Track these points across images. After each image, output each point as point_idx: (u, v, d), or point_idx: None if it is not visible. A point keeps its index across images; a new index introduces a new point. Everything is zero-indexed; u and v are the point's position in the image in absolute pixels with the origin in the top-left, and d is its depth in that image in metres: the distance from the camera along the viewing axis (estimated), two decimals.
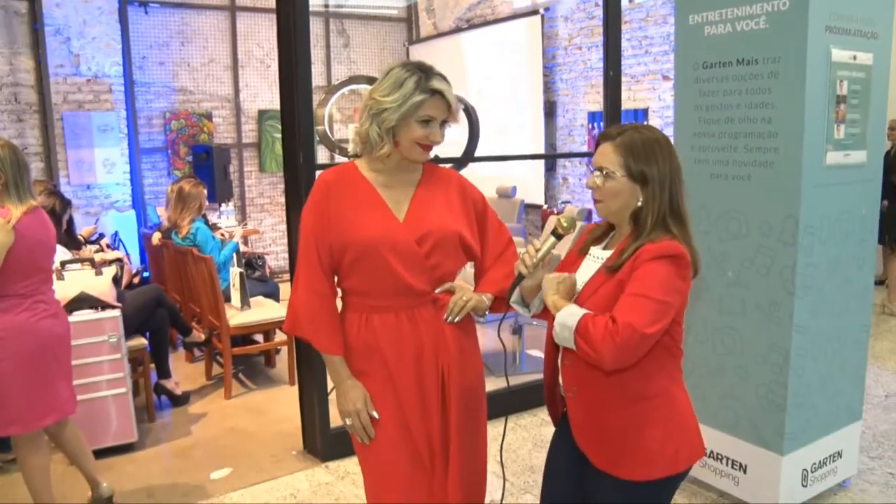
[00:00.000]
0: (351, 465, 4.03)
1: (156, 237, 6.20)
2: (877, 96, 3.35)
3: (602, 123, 5.39)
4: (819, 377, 3.34)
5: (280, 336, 5.68)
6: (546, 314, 2.29)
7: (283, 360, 5.82)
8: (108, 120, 8.35)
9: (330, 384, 2.36)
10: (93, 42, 8.22)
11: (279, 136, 5.84)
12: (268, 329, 5.58)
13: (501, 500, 2.45)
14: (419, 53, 10.93)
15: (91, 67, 8.23)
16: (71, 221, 5.68)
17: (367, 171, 2.28)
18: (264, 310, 5.56)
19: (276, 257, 10.00)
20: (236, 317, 5.32)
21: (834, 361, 3.41)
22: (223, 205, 8.40)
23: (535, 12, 9.52)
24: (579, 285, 2.07)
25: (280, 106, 3.95)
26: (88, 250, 5.53)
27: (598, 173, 2.03)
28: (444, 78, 2.20)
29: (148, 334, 4.99)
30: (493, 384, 4.86)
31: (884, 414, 4.64)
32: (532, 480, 3.84)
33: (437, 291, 2.29)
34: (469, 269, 2.54)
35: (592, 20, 9.18)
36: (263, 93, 9.94)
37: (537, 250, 2.07)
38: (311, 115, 3.92)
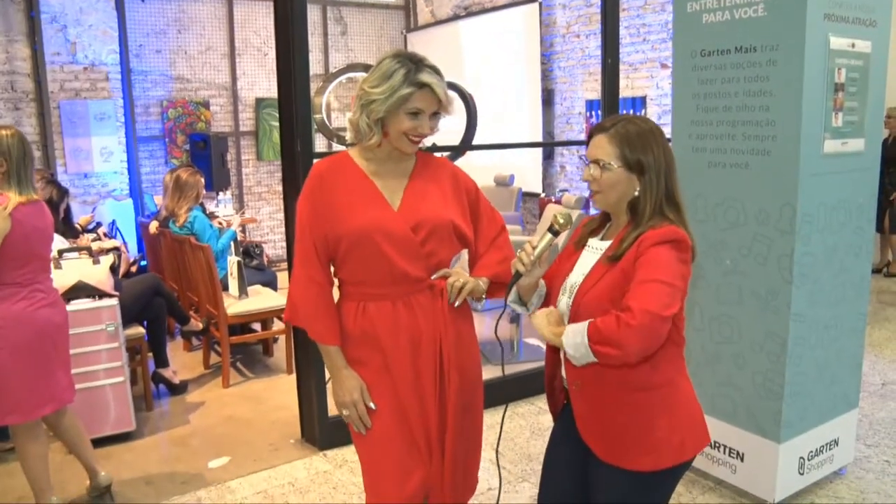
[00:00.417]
0: (349, 453, 4.04)
1: (153, 226, 6.19)
2: (875, 84, 3.34)
3: (600, 111, 5.39)
4: (816, 365, 3.35)
5: (278, 325, 5.68)
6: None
7: (280, 349, 5.83)
8: (106, 108, 8.33)
9: (327, 373, 2.36)
10: (89, 30, 8.19)
11: (277, 124, 5.83)
12: (266, 318, 5.58)
13: (500, 489, 2.45)
14: (417, 41, 10.91)
15: (88, 55, 8.20)
16: (68, 210, 5.69)
17: (360, 160, 2.28)
18: (262, 298, 5.56)
19: (274, 246, 10.00)
20: (234, 305, 5.32)
21: (831, 350, 3.41)
22: (221, 193, 8.39)
23: (533, 0, 9.48)
24: (579, 278, 2.06)
25: (277, 94, 3.93)
26: (86, 239, 5.53)
27: (594, 165, 2.03)
28: (435, 70, 2.19)
29: (146, 323, 4.99)
30: (490, 373, 4.87)
31: (880, 402, 4.66)
32: (530, 469, 3.85)
33: (433, 278, 2.29)
34: (464, 255, 2.54)
35: (590, 8, 9.15)
36: (261, 81, 9.91)
37: (534, 248, 2.08)
38: (309, 104, 3.91)
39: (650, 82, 8.60)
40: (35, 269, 3.18)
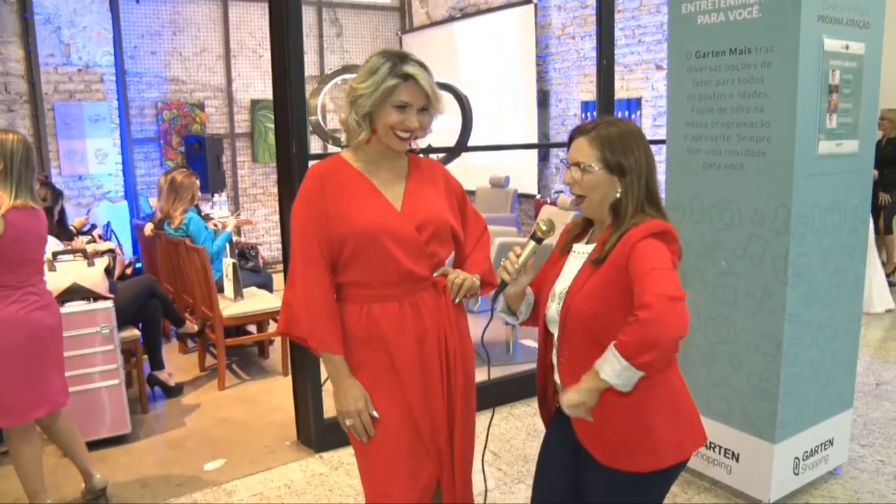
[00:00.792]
0: (345, 455, 4.03)
1: (148, 228, 6.18)
2: (868, 86, 3.35)
3: (595, 113, 5.39)
4: (811, 366, 3.36)
5: (273, 326, 5.67)
6: (533, 321, 2.30)
7: (276, 351, 5.82)
8: (100, 110, 8.31)
9: (324, 374, 2.35)
10: (84, 31, 8.17)
11: (272, 126, 5.81)
12: (261, 320, 5.57)
13: (486, 495, 2.45)
14: (412, 43, 10.91)
15: (82, 57, 8.19)
16: (62, 212, 5.68)
17: (355, 162, 2.28)
18: (257, 300, 5.56)
19: (270, 248, 9.99)
20: (229, 307, 5.31)
21: (826, 350, 3.42)
22: (216, 195, 8.38)
23: (528, 1, 9.49)
24: (566, 283, 2.06)
25: (273, 96, 3.94)
26: (80, 241, 5.52)
27: (575, 168, 2.04)
28: (420, 64, 2.19)
29: (141, 325, 4.98)
30: (483, 374, 4.87)
31: (874, 402, 4.67)
32: (525, 470, 3.85)
33: (434, 276, 2.30)
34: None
35: (585, 9, 9.16)
36: (256, 82, 9.91)
37: (518, 256, 2.08)
38: (304, 105, 3.91)
39: (645, 84, 8.61)
40: (28, 272, 3.17)
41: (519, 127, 9.74)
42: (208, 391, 5.20)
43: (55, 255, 4.32)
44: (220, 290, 5.50)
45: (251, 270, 6.34)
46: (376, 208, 2.22)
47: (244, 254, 6.47)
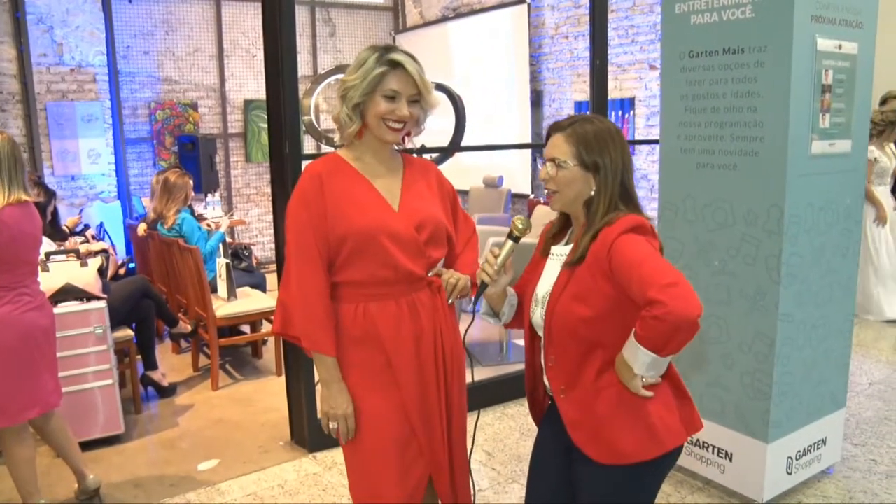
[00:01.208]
0: (338, 455, 4.03)
1: (141, 228, 6.17)
2: (861, 86, 3.36)
3: (589, 113, 5.40)
4: (804, 365, 3.37)
5: (267, 327, 5.67)
6: (518, 323, 2.30)
7: (270, 351, 5.82)
8: (93, 110, 8.29)
9: (316, 375, 2.34)
10: (76, 31, 8.15)
11: (265, 125, 5.80)
12: (255, 320, 5.57)
13: (474, 497, 2.45)
14: (406, 42, 10.90)
15: (75, 57, 8.16)
16: (55, 212, 5.66)
17: (352, 160, 2.28)
18: (251, 300, 5.55)
19: (263, 248, 9.98)
20: (223, 307, 5.30)
21: (818, 350, 3.43)
22: (209, 195, 8.36)
23: (521, 1, 9.49)
24: (548, 287, 2.07)
25: (266, 95, 3.93)
26: (74, 241, 5.51)
27: (550, 164, 2.04)
28: (408, 54, 2.21)
29: (134, 325, 4.97)
30: (479, 374, 4.87)
31: (867, 401, 4.68)
32: (519, 469, 3.85)
33: (429, 275, 2.30)
34: None
35: (579, 9, 9.17)
36: (249, 82, 9.89)
37: (496, 257, 2.09)
38: (298, 105, 3.90)
39: (639, 84, 8.63)
40: (23, 273, 3.16)
41: (512, 127, 9.75)
42: (202, 391, 5.20)
43: (48, 255, 4.31)
44: (214, 290, 5.49)
45: (245, 270, 6.33)
46: (375, 208, 2.22)
47: (238, 254, 6.46)
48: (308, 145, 9.36)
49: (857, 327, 5.87)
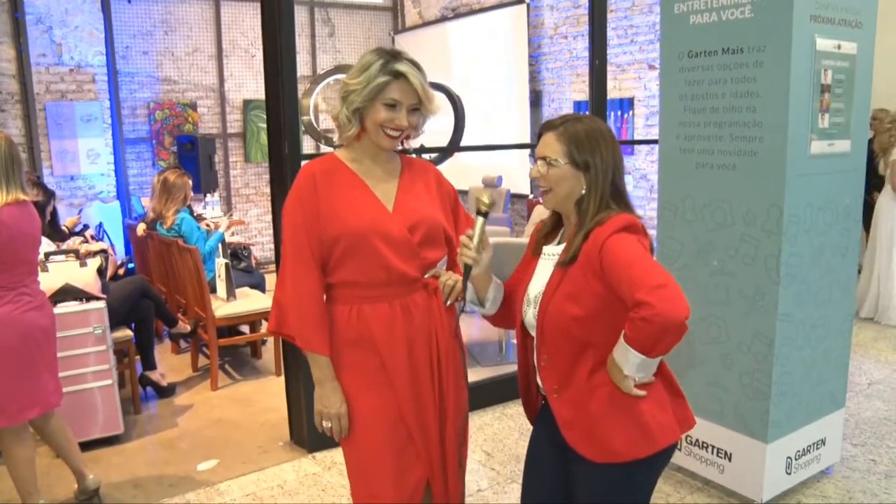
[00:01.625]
0: (338, 455, 4.03)
1: (140, 228, 6.16)
2: (861, 86, 3.36)
3: (588, 113, 5.40)
4: (803, 365, 3.37)
5: (266, 327, 5.66)
6: (503, 320, 2.30)
7: (269, 351, 5.82)
8: (92, 110, 8.29)
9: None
10: (75, 31, 8.15)
11: (264, 125, 5.79)
12: (254, 320, 5.57)
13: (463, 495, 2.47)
14: (405, 43, 10.90)
15: (74, 57, 8.16)
16: (54, 212, 5.66)
17: (349, 161, 2.28)
18: (250, 300, 5.55)
19: (262, 248, 9.98)
20: (222, 308, 5.30)
21: (818, 350, 3.43)
22: (208, 195, 8.37)
23: (520, 1, 9.49)
24: (540, 287, 2.07)
25: (265, 96, 3.93)
26: (73, 241, 5.51)
27: (541, 162, 2.05)
28: (413, 63, 2.20)
29: (133, 325, 4.97)
30: (477, 375, 4.88)
31: (866, 402, 4.69)
32: (518, 470, 3.85)
33: (426, 276, 2.30)
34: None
35: (578, 9, 9.18)
36: (248, 82, 9.89)
37: (470, 237, 2.10)
38: (297, 105, 3.90)
39: (638, 83, 8.63)
40: (22, 273, 3.16)
41: (511, 127, 9.75)
42: (201, 391, 5.19)
43: (47, 255, 4.31)
44: (213, 290, 5.49)
45: (244, 270, 6.33)
46: (368, 209, 2.21)
47: (237, 254, 6.46)
48: (307, 145, 9.35)
49: (857, 327, 5.87)
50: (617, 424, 1.99)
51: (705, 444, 3.53)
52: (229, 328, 5.61)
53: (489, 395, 4.62)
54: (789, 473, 3.43)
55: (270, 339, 5.81)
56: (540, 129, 2.11)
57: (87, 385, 4.15)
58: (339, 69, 9.23)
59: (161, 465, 4.08)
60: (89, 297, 4.20)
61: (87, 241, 5.64)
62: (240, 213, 9.87)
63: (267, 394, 5.09)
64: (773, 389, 3.23)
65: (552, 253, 2.12)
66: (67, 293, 4.15)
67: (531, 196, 9.56)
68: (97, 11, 8.32)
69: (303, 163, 3.64)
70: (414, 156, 2.51)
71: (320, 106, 9.24)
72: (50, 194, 5.45)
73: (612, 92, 8.65)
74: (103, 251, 5.21)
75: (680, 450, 3.66)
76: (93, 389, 4.17)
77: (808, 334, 3.36)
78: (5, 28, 7.81)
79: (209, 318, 5.14)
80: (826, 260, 3.37)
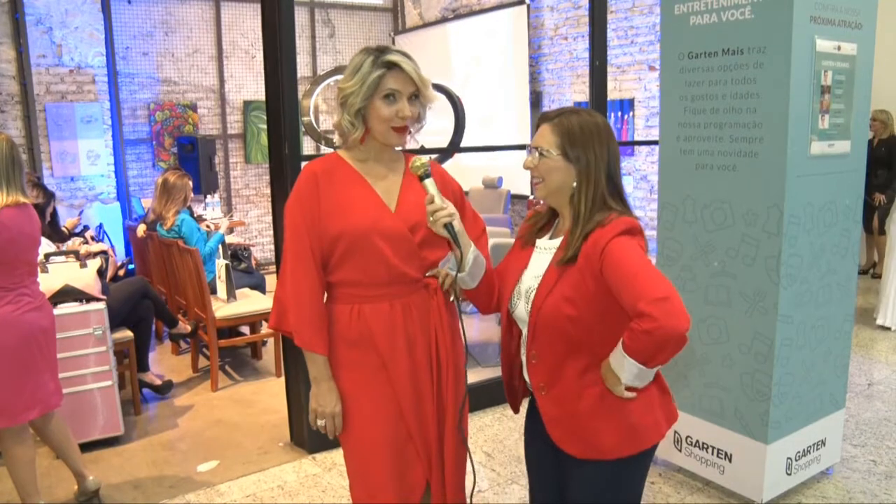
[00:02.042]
0: (338, 456, 4.03)
1: (141, 229, 6.17)
2: (860, 86, 3.36)
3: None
4: (803, 366, 3.37)
5: (267, 328, 5.67)
6: (485, 304, 2.27)
7: (269, 352, 5.82)
8: (92, 111, 8.29)
9: None
10: (75, 32, 8.15)
11: (265, 126, 5.79)
12: (254, 321, 5.56)
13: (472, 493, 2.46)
14: (405, 43, 10.91)
15: (74, 58, 8.16)
16: (54, 213, 5.66)
17: (352, 161, 2.28)
18: (250, 301, 5.55)
19: (262, 249, 9.98)
20: (222, 309, 5.30)
21: (818, 350, 3.43)
22: (209, 196, 8.36)
23: (521, 2, 9.50)
24: (533, 281, 2.06)
25: (265, 96, 3.93)
26: (73, 242, 5.51)
27: (535, 152, 2.05)
28: (403, 54, 2.20)
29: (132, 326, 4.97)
30: (478, 375, 4.88)
31: (866, 402, 4.69)
32: (519, 471, 3.85)
33: (426, 276, 2.30)
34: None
35: (578, 10, 9.18)
36: (248, 83, 9.89)
37: (431, 201, 2.08)
38: (297, 106, 3.90)
39: (638, 84, 8.63)
40: (21, 274, 3.16)
41: (512, 128, 9.75)
42: (201, 392, 5.19)
43: (47, 256, 4.31)
44: (213, 291, 5.49)
45: (244, 271, 6.33)
46: (370, 208, 2.22)
47: (237, 255, 6.46)
48: (307, 146, 9.35)
49: (857, 328, 5.87)
50: (605, 424, 1.99)
51: (705, 445, 3.53)
52: (229, 329, 5.61)
53: (489, 395, 4.62)
54: (789, 474, 3.43)
55: (271, 340, 5.81)
56: (537, 120, 2.11)
57: (88, 386, 4.15)
58: (339, 70, 9.22)
59: (161, 466, 4.08)
60: (89, 298, 4.20)
61: (87, 242, 5.63)
62: (240, 214, 9.87)
63: (267, 395, 5.09)
64: (773, 390, 3.23)
65: (546, 247, 2.11)
66: (67, 294, 4.15)
67: (531, 197, 9.56)
68: (97, 12, 8.32)
69: (303, 164, 3.64)
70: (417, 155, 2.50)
71: (320, 107, 9.24)
72: (50, 195, 5.46)
73: (613, 93, 8.66)
74: (103, 252, 5.21)
75: (680, 451, 3.66)
76: (93, 390, 4.17)
77: (808, 335, 3.36)
78: (5, 29, 7.82)
79: (209, 319, 5.14)
80: (826, 261, 3.37)
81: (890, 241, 6.26)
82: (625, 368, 1.87)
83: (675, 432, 3.65)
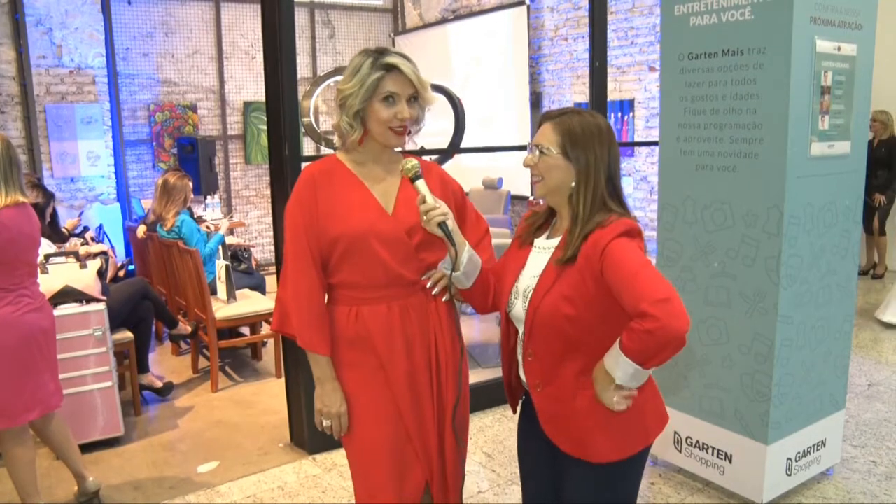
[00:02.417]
0: (338, 457, 4.03)
1: (141, 230, 6.17)
2: (860, 87, 3.36)
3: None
4: (803, 367, 3.37)
5: (266, 328, 5.67)
6: (480, 303, 2.28)
7: (269, 353, 5.82)
8: (92, 112, 8.29)
9: None
10: (75, 33, 8.15)
11: (265, 127, 5.78)
12: (254, 322, 5.56)
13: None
14: (405, 44, 10.91)
15: (74, 59, 8.16)
16: (54, 214, 5.66)
17: (350, 163, 2.28)
18: (250, 302, 5.55)
19: (262, 249, 9.98)
20: (222, 309, 5.30)
21: (818, 351, 3.43)
22: (209, 197, 8.36)
23: (521, 3, 9.51)
24: (531, 280, 2.06)
25: (265, 97, 3.93)
26: (73, 243, 5.51)
27: (535, 150, 2.05)
28: (402, 56, 2.20)
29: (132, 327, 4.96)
30: (478, 376, 4.88)
31: (866, 403, 4.69)
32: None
33: (423, 278, 2.30)
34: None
35: (578, 11, 9.19)
36: (248, 84, 9.90)
37: (423, 201, 2.11)
38: (297, 107, 3.90)
39: (638, 85, 8.64)
40: (21, 275, 3.16)
41: (512, 128, 9.76)
42: (201, 393, 5.19)
43: (47, 257, 4.31)
44: (213, 292, 5.49)
45: (244, 272, 6.33)
46: (367, 211, 2.22)
47: (237, 256, 6.46)
48: (307, 147, 9.35)
49: (857, 329, 5.87)
50: (599, 426, 2.00)
51: (706, 446, 3.53)
52: (230, 330, 5.61)
53: (489, 396, 4.62)
54: (789, 475, 3.43)
55: (271, 341, 5.81)
56: (539, 119, 2.11)
57: (88, 387, 4.15)
58: (339, 71, 9.22)
59: (161, 466, 4.08)
60: (89, 299, 4.20)
61: (87, 243, 5.64)
62: (240, 214, 9.87)
63: (267, 395, 5.09)
64: (773, 391, 3.23)
65: (544, 246, 2.11)
66: (67, 295, 4.15)
67: (531, 197, 9.56)
68: (97, 13, 8.32)
69: (303, 165, 3.65)
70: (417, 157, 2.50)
71: (321, 108, 9.25)
72: (49, 196, 5.46)
73: (613, 94, 8.66)
74: (103, 253, 5.21)
75: (680, 451, 3.66)
76: (93, 391, 4.17)
77: (808, 335, 3.36)
78: (5, 30, 7.82)
79: (209, 319, 5.14)
80: (826, 261, 3.37)
81: None
82: (620, 368, 1.86)
83: (675, 433, 3.66)
